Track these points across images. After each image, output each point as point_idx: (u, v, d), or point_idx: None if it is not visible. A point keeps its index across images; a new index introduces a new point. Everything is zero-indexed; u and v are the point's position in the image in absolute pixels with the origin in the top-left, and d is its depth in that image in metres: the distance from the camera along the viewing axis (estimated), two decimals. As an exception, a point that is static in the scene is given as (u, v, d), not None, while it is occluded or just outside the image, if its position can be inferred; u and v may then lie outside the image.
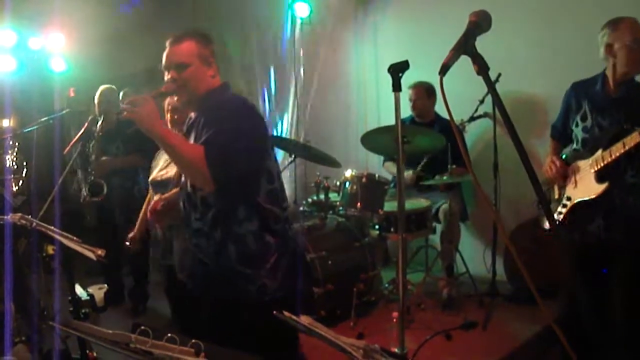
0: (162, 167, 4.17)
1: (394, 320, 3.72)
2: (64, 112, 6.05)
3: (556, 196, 3.92)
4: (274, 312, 1.88)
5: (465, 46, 1.88)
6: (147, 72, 8.90)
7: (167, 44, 3.01)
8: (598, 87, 3.75)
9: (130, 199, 5.87)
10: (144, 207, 4.56)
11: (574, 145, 3.86)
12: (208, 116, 2.92)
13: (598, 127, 3.69)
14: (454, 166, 5.30)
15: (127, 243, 4.50)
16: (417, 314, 5.02)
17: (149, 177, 4.34)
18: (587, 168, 3.68)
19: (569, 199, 3.78)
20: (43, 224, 3.20)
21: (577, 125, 3.84)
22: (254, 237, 2.92)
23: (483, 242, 6.11)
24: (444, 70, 1.83)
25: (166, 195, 3.61)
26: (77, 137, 5.65)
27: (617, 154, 3.47)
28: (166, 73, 3.01)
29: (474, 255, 6.00)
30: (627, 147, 3.41)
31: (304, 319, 1.76)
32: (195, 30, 3.09)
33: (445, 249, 5.62)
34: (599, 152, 3.59)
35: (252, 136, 2.91)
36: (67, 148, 5.69)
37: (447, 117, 2.15)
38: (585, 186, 3.69)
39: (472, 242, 6.33)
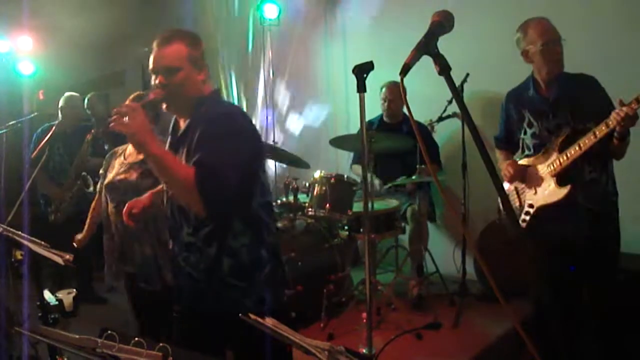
0: (120, 172, 4.09)
1: (364, 320, 3.73)
2: (33, 115, 6.02)
3: (517, 204, 3.93)
4: (239, 314, 1.84)
5: (427, 46, 1.86)
6: (115, 75, 8.86)
7: (155, 45, 2.77)
8: (532, 92, 3.79)
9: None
10: (91, 210, 4.49)
11: (526, 152, 3.89)
12: (202, 130, 2.69)
13: (546, 131, 3.73)
14: (423, 166, 5.32)
15: (74, 244, 4.37)
16: (388, 314, 5.02)
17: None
18: (545, 173, 3.71)
19: (531, 205, 3.81)
20: (11, 229, 3.16)
21: (525, 133, 3.87)
22: (248, 250, 2.80)
23: (453, 242, 6.12)
24: (404, 70, 1.81)
25: (144, 197, 3.49)
26: (44, 140, 5.62)
27: (575, 157, 3.51)
28: (153, 77, 2.78)
29: (443, 255, 6.00)
30: (583, 149, 3.46)
31: (269, 321, 1.75)
32: (184, 30, 2.86)
33: (415, 249, 5.64)
34: (554, 155, 3.63)
35: (247, 153, 2.75)
36: (35, 152, 5.66)
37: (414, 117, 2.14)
38: (545, 191, 3.73)
39: (442, 242, 6.35)
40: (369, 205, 4.04)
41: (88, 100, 6.52)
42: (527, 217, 3.83)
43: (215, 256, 2.78)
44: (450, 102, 5.64)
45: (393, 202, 5.51)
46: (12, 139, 6.23)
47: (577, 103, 3.61)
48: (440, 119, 5.72)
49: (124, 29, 8.12)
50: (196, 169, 2.58)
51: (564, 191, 3.63)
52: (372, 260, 5.20)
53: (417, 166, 5.34)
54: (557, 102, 3.68)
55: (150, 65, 2.78)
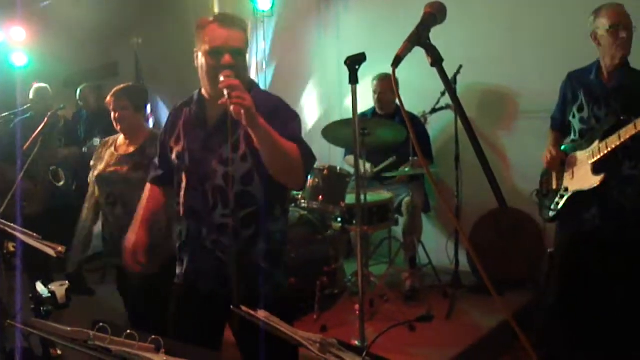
0: (110, 164, 4.03)
1: (357, 312, 3.73)
2: (26, 107, 5.99)
3: (554, 187, 3.95)
4: (231, 306, 1.83)
5: (419, 38, 1.85)
6: (108, 66, 8.81)
7: (217, 23, 2.73)
8: (592, 76, 3.78)
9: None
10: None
11: (572, 137, 3.89)
12: (270, 112, 2.65)
13: (595, 118, 3.73)
14: (416, 158, 5.31)
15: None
16: (381, 306, 5.02)
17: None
18: (584, 159, 3.72)
19: (566, 189, 3.84)
20: (3, 220, 3.15)
21: (574, 117, 3.86)
22: (280, 235, 2.87)
23: (446, 234, 6.14)
24: (396, 62, 1.80)
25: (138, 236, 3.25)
26: (37, 131, 5.60)
27: (613, 146, 3.51)
28: (210, 57, 2.70)
29: (437, 247, 6.02)
30: (622, 140, 3.45)
31: (261, 314, 1.75)
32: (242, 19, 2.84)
33: (408, 241, 5.63)
34: (596, 143, 3.62)
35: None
36: (27, 143, 5.64)
37: (407, 109, 2.13)
38: (581, 177, 3.73)
39: (435, 234, 6.36)
40: (362, 197, 4.03)
41: (80, 91, 6.49)
42: (561, 201, 3.85)
43: (251, 238, 2.79)
44: (443, 94, 5.63)
45: (386, 194, 5.51)
46: (2, 130, 6.22)
47: (633, 98, 3.59)
48: (433, 110, 5.71)
49: (118, 20, 8.08)
50: (299, 145, 2.63)
51: (597, 179, 3.63)
52: (365, 252, 5.20)
53: (410, 158, 5.34)
54: (614, 91, 3.68)
55: (217, 42, 2.70)
